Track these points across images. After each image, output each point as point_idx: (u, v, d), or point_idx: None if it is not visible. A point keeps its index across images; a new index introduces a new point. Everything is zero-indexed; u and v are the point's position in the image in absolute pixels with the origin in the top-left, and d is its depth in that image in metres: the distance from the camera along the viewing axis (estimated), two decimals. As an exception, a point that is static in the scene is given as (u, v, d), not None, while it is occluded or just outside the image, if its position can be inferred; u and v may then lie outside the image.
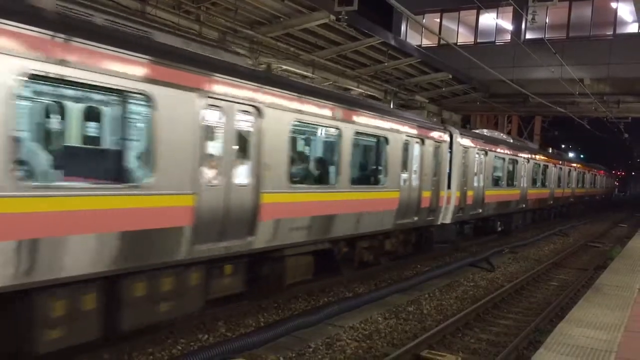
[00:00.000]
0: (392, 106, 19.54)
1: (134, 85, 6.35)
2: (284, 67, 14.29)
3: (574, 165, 34.85)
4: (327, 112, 9.74)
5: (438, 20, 28.20)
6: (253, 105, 8.07)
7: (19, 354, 5.80)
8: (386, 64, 18.95)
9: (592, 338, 6.58)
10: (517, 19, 25.65)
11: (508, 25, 26.32)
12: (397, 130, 12.07)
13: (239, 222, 7.92)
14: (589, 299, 8.80)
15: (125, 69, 6.21)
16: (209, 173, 7.41)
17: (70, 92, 7.12)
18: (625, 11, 24.44)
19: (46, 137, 6.96)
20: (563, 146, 57.86)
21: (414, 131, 12.88)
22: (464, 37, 27.95)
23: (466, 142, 16.38)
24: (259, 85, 8.17)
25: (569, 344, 6.32)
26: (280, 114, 8.59)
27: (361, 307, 9.84)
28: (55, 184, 5.88)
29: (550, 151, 31.34)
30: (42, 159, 6.14)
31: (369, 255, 12.06)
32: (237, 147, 7.91)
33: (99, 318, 6.30)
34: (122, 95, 6.61)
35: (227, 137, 7.70)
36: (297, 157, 9.97)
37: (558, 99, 24.38)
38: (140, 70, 6.39)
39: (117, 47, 6.14)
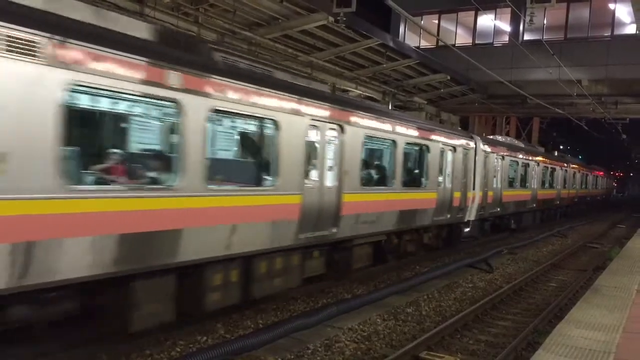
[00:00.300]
0: (390, 107, 19.62)
1: (272, 114, 8.56)
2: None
3: (578, 167, 36.73)
4: (387, 127, 11.99)
5: (436, 21, 28.24)
6: (338, 124, 10.26)
7: (193, 312, 7.82)
8: (384, 65, 18.97)
9: (590, 339, 6.59)
10: (515, 20, 25.69)
11: (506, 26, 26.36)
12: (435, 140, 14.31)
13: (328, 216, 10.04)
14: (588, 300, 8.81)
15: (267, 103, 8.43)
16: (310, 177, 9.64)
17: (243, 123, 9.59)
18: (623, 12, 24.48)
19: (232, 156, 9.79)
20: (561, 147, 57.90)
21: (448, 140, 15.11)
22: (462, 38, 27.99)
23: (487, 148, 18.40)
24: (342, 108, 10.40)
25: (568, 345, 6.32)
26: (356, 130, 10.77)
27: (360, 309, 9.84)
28: (238, 188, 8.43)
29: (556, 154, 33.49)
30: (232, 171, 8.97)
31: (412, 247, 14.23)
32: (327, 156, 10.11)
33: (239, 288, 8.34)
34: (263, 121, 8.88)
35: (321, 149, 9.89)
36: (365, 164, 11.87)
37: (556, 100, 24.43)
38: (274, 103, 8.58)
39: (269, 87, 8.45)
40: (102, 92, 6.59)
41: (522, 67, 23.63)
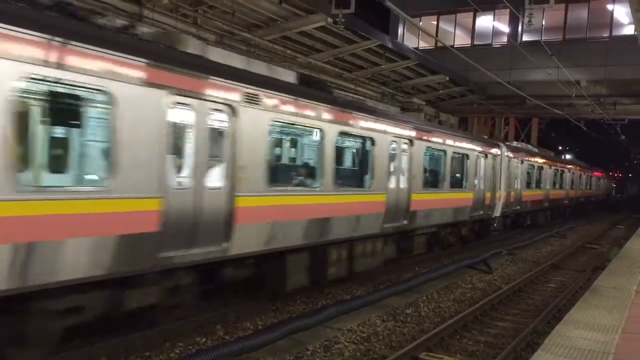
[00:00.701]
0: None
1: (371, 134, 11.35)
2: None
3: (582, 169, 39.44)
4: (440, 140, 14.71)
5: (435, 22, 28.27)
6: (409, 139, 12.90)
7: (320, 280, 10.41)
8: (383, 66, 18.99)
9: (589, 340, 6.59)
10: (513, 21, 25.73)
11: (505, 27, 26.40)
12: (473, 149, 17.13)
13: (401, 211, 12.70)
14: (587, 300, 8.81)
15: (370, 126, 11.30)
16: (390, 180, 12.22)
17: (353, 141, 11.95)
18: (621, 13, 24.52)
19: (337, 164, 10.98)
20: (560, 148, 57.93)
21: (483, 148, 17.99)
22: (461, 39, 28.01)
23: (510, 154, 21.09)
24: (413, 127, 13.16)
25: (567, 345, 6.33)
26: (420, 143, 13.43)
27: (359, 310, 9.84)
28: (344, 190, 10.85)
29: (566, 158, 37.32)
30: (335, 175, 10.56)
31: (453, 238, 16.64)
32: (402, 164, 12.76)
33: (345, 264, 10.85)
34: (365, 139, 11.45)
35: (397, 159, 12.54)
36: (425, 170, 14.28)
37: (555, 101, 24.46)
38: (373, 125, 11.40)
39: (370, 115, 11.39)
40: (291, 128, 9.86)
41: (521, 68, 23.66)
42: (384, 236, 12.27)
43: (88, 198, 5.97)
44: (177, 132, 7.16)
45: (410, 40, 28.22)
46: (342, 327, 8.83)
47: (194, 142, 7.33)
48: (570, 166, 34.53)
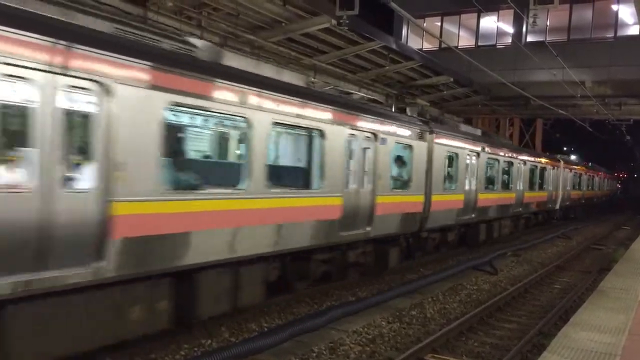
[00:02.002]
0: (393, 110, 19.58)
1: (411, 142, 12.96)
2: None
3: (596, 172, 45.50)
4: (476, 147, 17.16)
5: (439, 23, 28.20)
6: (477, 152, 16.67)
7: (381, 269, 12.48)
8: (387, 67, 18.97)
9: (596, 341, 6.57)
10: (517, 22, 25.65)
11: (509, 28, 26.33)
12: (551, 165, 27.37)
13: (470, 207, 16.65)
14: (593, 302, 8.78)
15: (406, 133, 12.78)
16: (465, 183, 16.18)
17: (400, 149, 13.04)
18: (626, 13, 24.42)
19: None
20: (565, 148, 57.77)
21: (554, 163, 27.95)
22: (465, 40, 27.95)
23: (564, 165, 30.62)
24: (488, 143, 18.10)
25: (573, 347, 6.30)
26: (487, 156, 17.68)
27: (364, 311, 9.83)
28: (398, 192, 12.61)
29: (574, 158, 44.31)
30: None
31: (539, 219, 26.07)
32: (472, 171, 16.85)
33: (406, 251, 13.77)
34: (410, 147, 13.03)
35: (471, 166, 16.51)
36: (488, 175, 18.83)
37: (559, 102, 24.38)
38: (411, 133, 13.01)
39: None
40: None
41: (525, 69, 23.57)
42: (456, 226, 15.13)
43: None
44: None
45: (414, 42, 28.19)
46: (347, 328, 8.82)
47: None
48: (587, 170, 40.79)
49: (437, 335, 8.49)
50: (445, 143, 14.73)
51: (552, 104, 23.78)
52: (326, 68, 17.95)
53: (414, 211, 13.12)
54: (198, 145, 10.24)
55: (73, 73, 5.73)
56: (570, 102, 24.53)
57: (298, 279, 10.19)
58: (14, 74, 5.30)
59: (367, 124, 11.00)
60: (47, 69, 5.52)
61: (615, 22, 24.41)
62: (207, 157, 10.23)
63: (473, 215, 16.87)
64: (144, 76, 6.49)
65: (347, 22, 13.27)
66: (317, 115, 9.46)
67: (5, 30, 5.19)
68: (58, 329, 5.82)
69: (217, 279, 7.83)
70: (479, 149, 17.15)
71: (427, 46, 27.87)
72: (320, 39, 15.95)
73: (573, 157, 49.03)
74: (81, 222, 5.84)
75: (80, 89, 5.88)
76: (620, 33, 24.53)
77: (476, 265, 14.96)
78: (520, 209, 22.12)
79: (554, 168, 27.58)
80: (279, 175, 9.33)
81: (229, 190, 7.99)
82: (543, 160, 25.94)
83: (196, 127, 9.63)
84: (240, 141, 8.87)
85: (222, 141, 10.51)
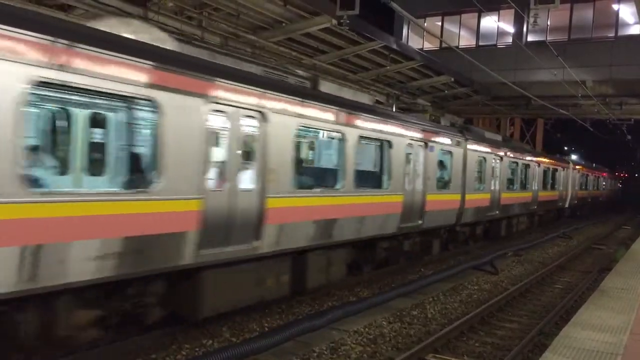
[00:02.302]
0: (394, 109, 19.59)
1: (451, 148, 15.14)
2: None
3: (601, 172, 48.06)
4: (500, 152, 19.32)
5: (439, 23, 28.20)
6: (529, 163, 20.41)
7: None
8: (388, 67, 18.97)
9: (597, 341, 6.56)
10: (518, 22, 25.64)
11: (509, 27, 26.32)
12: (563, 167, 30.15)
13: (495, 205, 18.74)
14: (595, 301, 8.77)
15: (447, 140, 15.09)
16: (491, 184, 17.95)
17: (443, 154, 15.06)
18: (626, 13, 24.41)
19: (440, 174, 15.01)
20: (565, 148, 57.71)
21: (564, 166, 30.59)
22: (466, 40, 27.95)
23: (572, 166, 33.02)
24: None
25: (575, 347, 6.30)
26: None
27: (365, 311, 9.82)
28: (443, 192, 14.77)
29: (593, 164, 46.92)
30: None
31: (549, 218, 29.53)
32: (508, 174, 19.99)
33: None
34: (450, 153, 15.18)
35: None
36: (510, 176, 21.03)
37: (560, 101, 24.37)
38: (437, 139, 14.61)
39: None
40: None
41: (526, 69, 23.56)
42: (485, 221, 18.22)
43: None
44: None
45: (415, 41, 28.17)
46: (348, 328, 8.81)
47: None
48: (595, 171, 43.86)
49: (438, 335, 8.48)
50: (476, 149, 16.94)
51: (553, 104, 23.77)
52: (326, 68, 17.96)
53: (453, 208, 15.34)
54: (309, 155, 12.21)
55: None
56: (571, 102, 24.52)
57: (365, 262, 12.26)
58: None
59: (420, 135, 13.21)
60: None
61: (616, 22, 24.40)
62: (316, 164, 12.07)
63: (497, 212, 19.15)
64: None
65: (348, 22, 13.26)
66: (387, 129, 11.80)
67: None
68: (227, 290, 8.06)
69: (319, 258, 10.17)
70: (502, 153, 19.39)
71: (427, 46, 27.86)
72: (321, 39, 15.96)
73: (574, 156, 49.19)
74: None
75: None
76: (621, 33, 24.52)
77: (477, 265, 14.96)
78: (535, 206, 24.55)
79: (563, 169, 30.03)
80: (361, 178, 11.17)
81: (334, 189, 10.31)
82: (554, 162, 28.39)
83: (313, 142, 12.00)
84: (339, 151, 10.54)
85: (326, 151, 12.10)
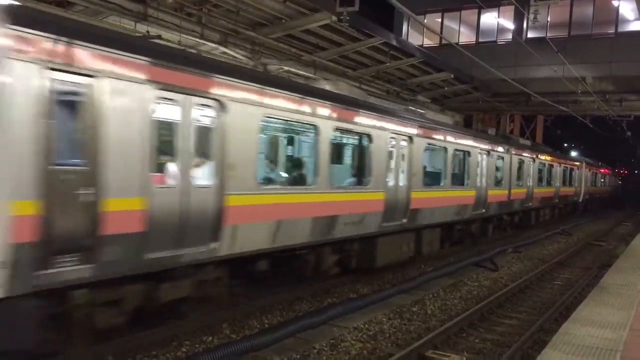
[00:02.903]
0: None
1: (502, 154, 19.35)
2: (286, 67, 14.46)
3: (606, 170, 51.67)
4: (532, 155, 23.26)
5: (439, 20, 28.15)
6: (551, 163, 24.42)
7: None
8: (388, 64, 18.93)
9: (597, 337, 6.57)
10: (518, 18, 25.59)
11: (509, 24, 26.27)
12: (577, 166, 33.99)
13: (529, 198, 22.63)
14: (595, 298, 8.78)
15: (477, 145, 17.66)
16: (526, 181, 21.98)
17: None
18: (626, 9, 24.38)
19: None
20: (565, 145, 57.68)
21: (578, 164, 34.44)
22: (466, 36, 27.90)
23: (584, 166, 36.87)
24: (554, 156, 26.90)
25: (574, 343, 6.30)
26: (550, 164, 24.61)
27: (365, 308, 9.83)
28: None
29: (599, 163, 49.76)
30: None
31: (566, 211, 33.07)
32: (529, 173, 22.72)
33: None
34: (502, 158, 19.44)
35: (537, 170, 23.22)
36: (539, 175, 24.05)
37: (560, 98, 24.33)
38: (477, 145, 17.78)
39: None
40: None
41: (526, 65, 23.52)
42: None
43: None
44: None
45: (415, 38, 28.11)
46: (348, 325, 8.82)
47: None
48: (601, 169, 47.50)
49: (438, 332, 8.49)
50: (517, 153, 21.27)
51: (553, 101, 23.73)
52: (326, 64, 17.93)
53: (503, 200, 19.60)
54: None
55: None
56: (571, 99, 24.49)
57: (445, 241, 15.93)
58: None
59: (485, 146, 17.73)
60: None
61: (616, 18, 24.36)
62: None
63: (530, 204, 23.36)
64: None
65: (348, 18, 13.24)
66: (465, 142, 16.13)
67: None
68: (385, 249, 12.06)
69: (428, 234, 14.18)
70: (533, 156, 23.69)
71: (427, 42, 27.81)
72: (321, 36, 15.92)
73: (574, 153, 49.39)
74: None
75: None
76: (621, 29, 24.48)
77: (477, 261, 14.97)
78: (557, 200, 29.06)
79: (577, 168, 34.46)
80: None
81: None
82: (571, 162, 33.24)
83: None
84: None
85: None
